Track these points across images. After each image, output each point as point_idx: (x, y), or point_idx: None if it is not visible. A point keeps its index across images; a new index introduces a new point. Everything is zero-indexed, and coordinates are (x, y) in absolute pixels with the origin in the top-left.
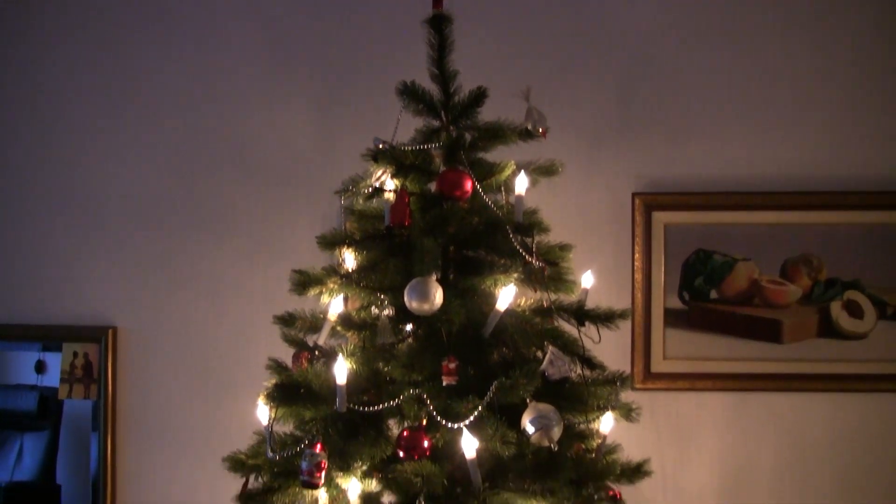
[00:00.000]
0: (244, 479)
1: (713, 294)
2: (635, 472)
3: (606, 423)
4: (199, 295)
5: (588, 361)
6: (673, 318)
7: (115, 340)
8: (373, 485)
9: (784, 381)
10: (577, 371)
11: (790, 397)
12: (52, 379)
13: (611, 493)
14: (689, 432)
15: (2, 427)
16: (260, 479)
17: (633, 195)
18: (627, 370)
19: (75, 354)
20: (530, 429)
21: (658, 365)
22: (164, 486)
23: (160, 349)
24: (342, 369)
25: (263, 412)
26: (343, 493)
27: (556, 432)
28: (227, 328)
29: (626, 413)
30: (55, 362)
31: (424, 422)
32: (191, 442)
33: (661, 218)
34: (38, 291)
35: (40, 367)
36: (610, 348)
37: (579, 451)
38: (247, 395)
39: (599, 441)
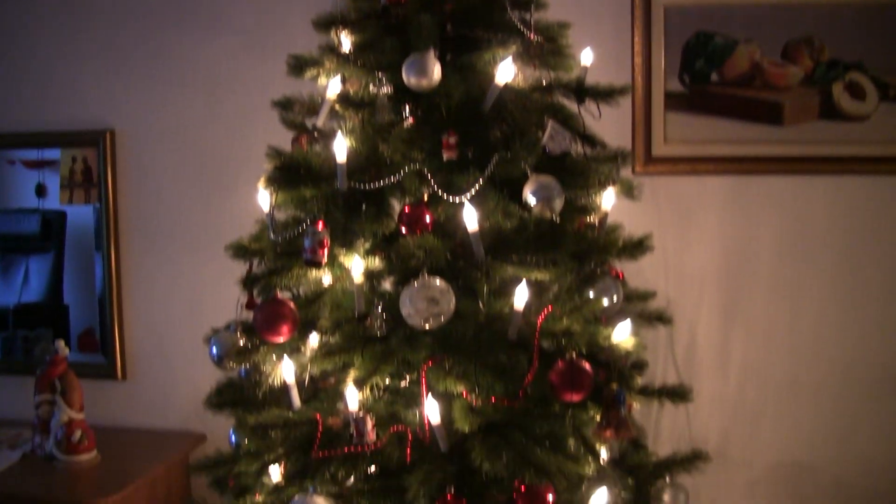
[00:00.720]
0: (248, 265)
1: (714, 77)
2: (637, 247)
3: (608, 199)
4: (195, 91)
5: (588, 139)
6: (673, 102)
7: (113, 143)
8: (376, 262)
9: (785, 164)
10: (577, 148)
11: (791, 180)
12: (52, 202)
13: (613, 272)
14: (691, 216)
15: (7, 251)
16: (263, 263)
17: None
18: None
19: (73, 160)
20: (532, 200)
21: (659, 149)
22: (169, 292)
23: (159, 149)
24: (342, 147)
25: (264, 197)
26: (346, 271)
27: (558, 204)
28: (225, 123)
29: (628, 189)
30: (54, 185)
31: (426, 197)
32: (194, 241)
33: None
34: (31, 98)
35: (41, 191)
36: (610, 134)
37: (581, 225)
38: (248, 189)
39: (601, 216)
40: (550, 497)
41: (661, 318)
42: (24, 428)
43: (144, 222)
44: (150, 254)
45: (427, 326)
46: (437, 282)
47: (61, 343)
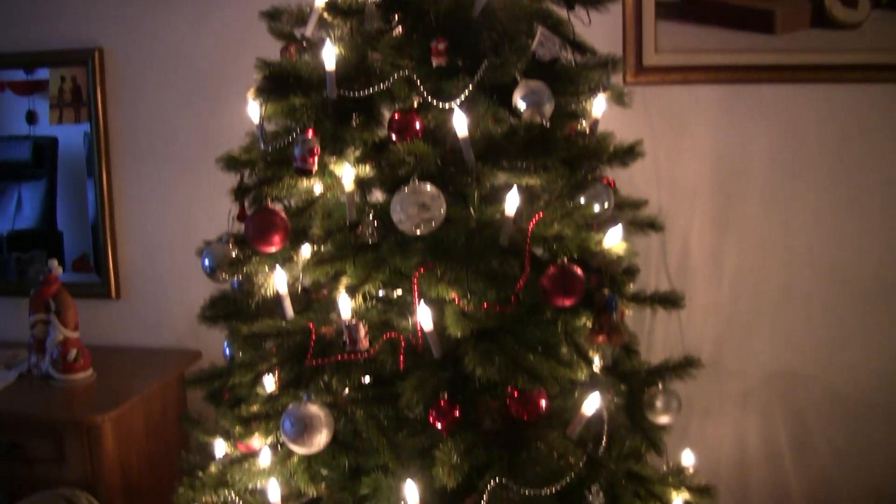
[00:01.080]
0: (239, 177)
1: None
2: (628, 152)
3: (598, 106)
4: (183, 5)
5: (578, 46)
6: (664, 11)
7: (102, 61)
8: (366, 170)
9: (777, 73)
10: (567, 55)
11: (783, 89)
12: (43, 128)
13: (605, 180)
14: (683, 125)
15: None
16: (254, 173)
17: None
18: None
19: (63, 79)
20: (521, 105)
21: (650, 58)
22: (161, 211)
23: (148, 66)
24: (331, 55)
25: (254, 109)
26: (337, 180)
27: (548, 109)
28: (214, 37)
29: (619, 96)
30: (45, 111)
31: (416, 104)
32: (186, 158)
33: None
34: (18, 16)
35: (31, 118)
36: (601, 44)
37: (572, 131)
38: (239, 103)
39: (592, 123)
40: (543, 402)
41: (653, 226)
42: (20, 348)
43: (135, 141)
44: (142, 173)
45: (418, 232)
46: (428, 187)
47: (54, 262)
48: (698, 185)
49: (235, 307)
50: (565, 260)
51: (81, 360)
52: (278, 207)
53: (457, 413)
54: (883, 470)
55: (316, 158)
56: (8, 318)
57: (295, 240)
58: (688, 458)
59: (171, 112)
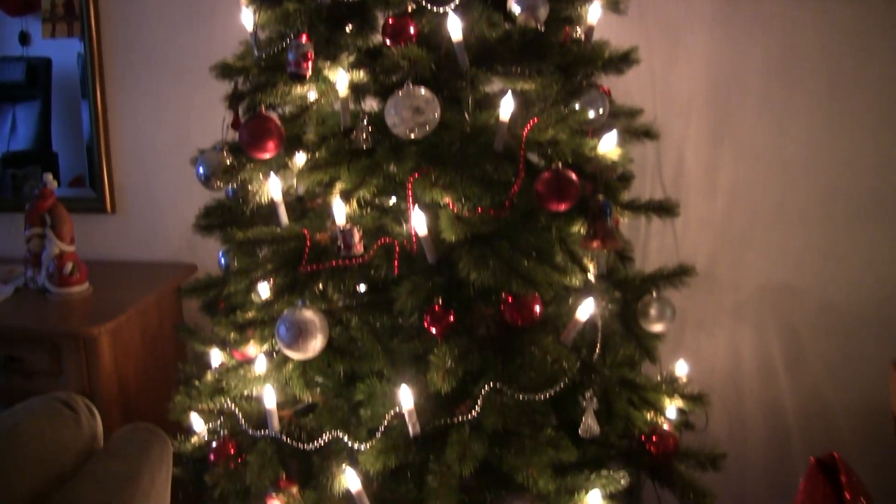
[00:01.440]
0: (233, 85)
1: None
2: (623, 59)
3: (594, 12)
4: None
5: None
6: None
7: None
8: (360, 75)
9: None
10: None
11: None
12: (37, 49)
13: (601, 88)
14: (678, 36)
15: None
16: (248, 81)
17: None
18: None
19: None
20: (516, 9)
21: None
22: (156, 125)
23: None
24: None
25: (248, 16)
26: (331, 85)
27: (542, 13)
28: None
29: (614, 3)
30: (37, 32)
31: (410, 9)
32: (180, 72)
33: None
34: None
35: (24, 39)
36: None
37: (567, 37)
38: (233, 14)
39: (587, 30)
40: (537, 307)
41: (649, 134)
42: (17, 263)
43: (129, 53)
44: (136, 87)
45: (412, 136)
46: (422, 91)
47: (49, 176)
48: (693, 96)
49: (230, 215)
50: (560, 165)
51: (77, 274)
52: (273, 115)
53: (451, 318)
54: (874, 383)
55: (310, 63)
56: (4, 233)
57: (289, 147)
58: (681, 368)
59: (163, 23)
